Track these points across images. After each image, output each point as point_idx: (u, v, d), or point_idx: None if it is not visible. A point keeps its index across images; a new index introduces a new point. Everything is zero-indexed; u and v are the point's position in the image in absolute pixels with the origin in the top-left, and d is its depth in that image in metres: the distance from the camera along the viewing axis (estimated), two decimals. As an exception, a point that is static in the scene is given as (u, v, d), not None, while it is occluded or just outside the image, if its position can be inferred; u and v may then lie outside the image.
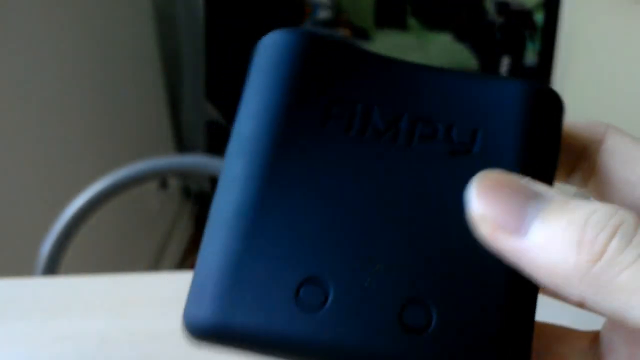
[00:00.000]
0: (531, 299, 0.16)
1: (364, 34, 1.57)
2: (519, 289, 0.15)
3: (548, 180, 0.17)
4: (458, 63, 1.64)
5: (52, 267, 0.52)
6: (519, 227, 0.14)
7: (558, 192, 0.14)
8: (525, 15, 1.38)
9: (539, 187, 0.14)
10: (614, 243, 0.13)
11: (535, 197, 0.14)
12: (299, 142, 0.16)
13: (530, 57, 1.39)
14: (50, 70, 0.80)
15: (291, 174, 0.16)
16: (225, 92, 1.20)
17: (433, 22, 1.59)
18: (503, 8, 1.39)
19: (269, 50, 0.17)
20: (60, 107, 0.82)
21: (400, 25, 1.61)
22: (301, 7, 1.38)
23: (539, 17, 1.37)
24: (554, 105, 0.17)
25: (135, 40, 1.05)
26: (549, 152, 0.17)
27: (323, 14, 1.43)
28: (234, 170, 0.16)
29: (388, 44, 1.66)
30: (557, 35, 0.93)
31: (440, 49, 1.69)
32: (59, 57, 0.82)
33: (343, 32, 1.45)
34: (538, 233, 0.14)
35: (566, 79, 0.89)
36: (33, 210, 0.73)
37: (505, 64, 1.37)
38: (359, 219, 0.15)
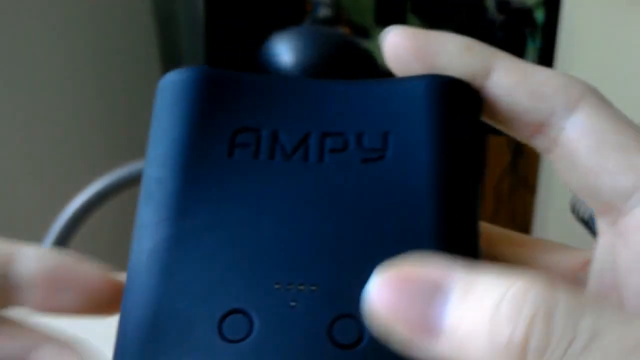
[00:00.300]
0: None
1: (364, 32, 1.57)
2: None
3: (470, 173, 0.16)
4: (458, 62, 1.64)
5: (53, 267, 0.52)
6: (430, 328, 0.12)
7: (462, 270, 0.12)
8: (526, 13, 1.38)
9: (439, 272, 0.12)
10: (532, 345, 0.11)
11: (439, 290, 0.12)
12: (207, 176, 0.16)
13: (531, 55, 1.39)
14: (49, 70, 0.80)
15: (202, 211, 0.15)
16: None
17: (433, 20, 1.59)
18: (503, 6, 1.39)
19: (167, 92, 0.17)
20: (60, 107, 0.82)
21: (400, 23, 1.61)
22: (301, 6, 1.38)
23: (539, 16, 1.36)
24: (465, 94, 0.17)
25: (135, 40, 1.05)
26: (466, 144, 0.16)
27: (323, 12, 1.43)
28: (144, 217, 0.16)
29: (388, 42, 1.66)
30: (557, 33, 0.93)
31: (440, 48, 1.68)
32: (59, 57, 0.82)
33: (343, 30, 1.45)
34: (450, 334, 0.12)
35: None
36: (33, 210, 0.73)
37: (505, 62, 1.36)
38: (276, 243, 0.15)
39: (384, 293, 0.13)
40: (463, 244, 0.15)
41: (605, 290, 0.16)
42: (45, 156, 0.79)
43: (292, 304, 0.15)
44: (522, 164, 1.37)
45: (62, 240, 0.52)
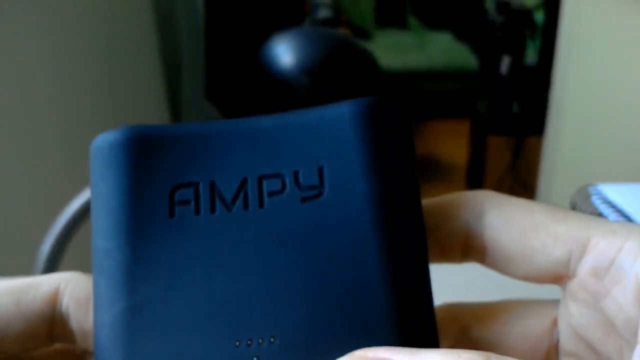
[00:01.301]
0: (427, 333, 0.16)
1: (364, 34, 1.57)
2: (407, 330, 0.15)
3: (409, 196, 0.16)
4: (458, 62, 1.64)
5: (52, 267, 0.52)
6: None
7: (406, 352, 0.14)
8: (526, 14, 1.38)
9: (386, 354, 0.14)
10: None
11: None
12: (152, 243, 0.16)
13: (531, 56, 1.39)
14: (49, 70, 0.80)
15: (153, 279, 0.15)
16: (225, 92, 1.20)
17: (433, 22, 1.59)
18: (503, 7, 1.39)
19: (99, 159, 0.17)
20: (60, 107, 0.82)
21: (400, 24, 1.61)
22: (301, 7, 1.38)
23: (539, 16, 1.37)
24: (390, 111, 0.17)
25: (135, 40, 1.05)
26: (399, 166, 0.16)
27: (323, 14, 1.43)
28: (99, 290, 0.16)
29: (388, 43, 1.66)
30: (557, 34, 0.93)
31: (440, 49, 1.69)
32: (58, 57, 0.82)
33: (343, 31, 1.45)
34: None
35: (566, 78, 0.89)
36: (33, 210, 0.73)
37: (505, 63, 1.37)
38: (231, 299, 0.15)
39: None
40: (411, 281, 0.16)
41: (576, 346, 0.17)
42: (45, 156, 0.79)
43: (255, 359, 0.15)
44: (522, 164, 1.37)
45: (63, 240, 0.53)
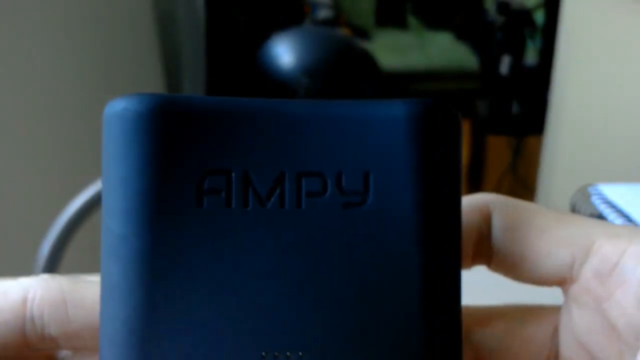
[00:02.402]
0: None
1: (364, 34, 1.57)
2: (441, 353, 0.15)
3: (456, 212, 0.15)
4: (458, 62, 1.64)
5: (52, 267, 0.52)
6: None
7: None
8: (526, 14, 1.38)
9: None
10: None
11: None
12: (177, 233, 0.14)
13: (531, 56, 1.39)
14: (49, 70, 0.80)
15: (175, 272, 0.14)
16: (225, 92, 1.20)
17: (433, 22, 1.59)
18: (503, 7, 1.39)
19: (118, 129, 0.15)
20: (60, 107, 0.82)
21: (400, 24, 1.61)
22: (300, 7, 1.38)
23: (539, 17, 1.37)
24: (446, 121, 0.15)
25: (135, 40, 1.05)
26: (450, 180, 0.15)
27: (323, 14, 1.43)
28: (112, 277, 0.14)
29: (388, 43, 1.66)
30: (557, 34, 0.93)
31: (440, 49, 1.69)
32: (59, 57, 0.82)
33: (343, 32, 1.45)
34: None
35: (566, 78, 0.89)
36: (33, 210, 0.73)
37: (505, 63, 1.37)
38: (258, 306, 0.14)
39: None
40: (448, 304, 0.15)
41: (576, 353, 0.17)
42: (45, 156, 0.79)
43: None
44: (522, 164, 1.37)
45: (63, 240, 0.52)
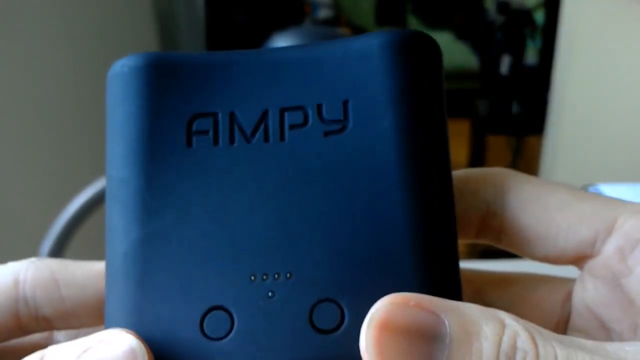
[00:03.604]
0: (450, 275, 0.15)
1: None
2: (432, 265, 0.14)
3: (437, 135, 0.15)
4: (458, 62, 1.64)
5: (52, 267, 0.52)
6: None
7: (457, 316, 0.13)
8: (526, 14, 1.38)
9: (436, 320, 0.13)
10: None
11: (435, 339, 0.12)
12: (169, 171, 0.15)
13: (531, 56, 1.39)
14: (49, 70, 0.80)
15: (169, 208, 0.15)
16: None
17: (433, 21, 1.59)
18: (503, 7, 1.39)
19: (116, 84, 0.16)
20: (60, 107, 0.82)
21: (400, 24, 1.61)
22: (300, 7, 1.38)
23: (539, 16, 1.36)
24: (422, 47, 0.16)
25: (136, 40, 1.05)
26: (428, 103, 0.15)
27: (323, 13, 1.43)
28: (113, 219, 0.15)
29: (388, 43, 1.66)
30: (557, 34, 0.93)
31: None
32: (58, 57, 0.82)
33: (343, 31, 1.45)
34: None
35: (566, 78, 0.89)
36: (33, 210, 0.73)
37: (505, 62, 1.37)
38: (247, 232, 0.15)
39: (382, 342, 0.13)
40: (436, 222, 0.15)
41: (587, 323, 0.17)
42: (45, 156, 0.79)
43: (270, 294, 0.14)
44: (522, 164, 1.37)
45: (63, 240, 0.52)
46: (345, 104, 0.15)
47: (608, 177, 0.75)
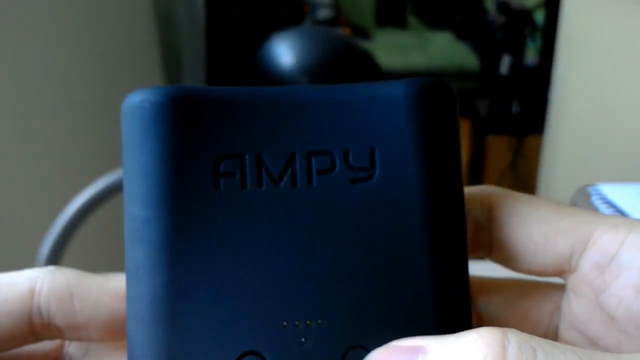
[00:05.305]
0: (464, 322, 0.15)
1: (364, 33, 1.57)
2: (451, 319, 0.15)
3: (458, 181, 0.16)
4: (458, 62, 1.64)
5: (52, 267, 0.52)
6: None
7: (434, 341, 0.13)
8: (526, 14, 1.38)
9: (417, 341, 0.13)
10: None
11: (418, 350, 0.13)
12: (196, 213, 0.15)
13: (531, 56, 1.39)
14: (49, 70, 0.80)
15: (197, 251, 0.15)
16: (226, 92, 1.20)
17: (433, 21, 1.59)
18: (503, 7, 1.39)
19: (136, 119, 0.16)
20: (60, 107, 0.82)
21: (400, 24, 1.61)
22: (300, 7, 1.38)
23: (539, 17, 1.36)
24: (443, 96, 0.16)
25: (135, 39, 1.05)
26: (450, 152, 0.16)
27: (323, 14, 1.43)
28: (137, 259, 0.15)
29: (388, 43, 1.66)
30: (557, 34, 0.93)
31: (440, 48, 1.69)
32: (58, 58, 0.82)
33: (343, 31, 1.45)
34: None
35: (566, 78, 0.89)
36: (33, 210, 0.73)
37: (505, 63, 1.37)
38: (279, 278, 0.15)
39: None
40: (455, 272, 0.16)
41: (575, 338, 0.17)
42: (45, 157, 0.79)
43: (303, 340, 0.15)
44: (522, 164, 1.37)
45: (63, 240, 0.52)
46: (372, 151, 0.16)
47: (608, 177, 0.75)
